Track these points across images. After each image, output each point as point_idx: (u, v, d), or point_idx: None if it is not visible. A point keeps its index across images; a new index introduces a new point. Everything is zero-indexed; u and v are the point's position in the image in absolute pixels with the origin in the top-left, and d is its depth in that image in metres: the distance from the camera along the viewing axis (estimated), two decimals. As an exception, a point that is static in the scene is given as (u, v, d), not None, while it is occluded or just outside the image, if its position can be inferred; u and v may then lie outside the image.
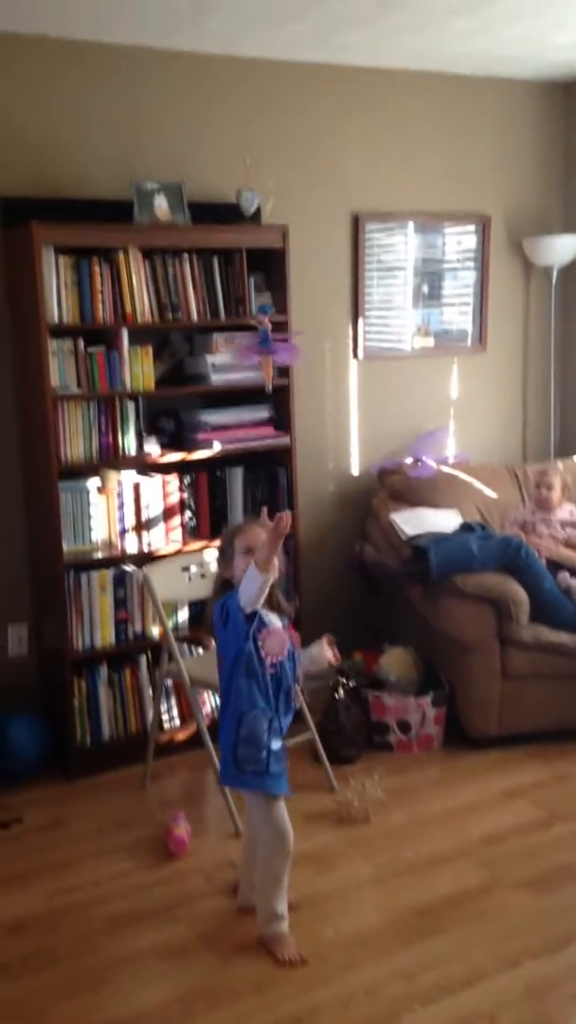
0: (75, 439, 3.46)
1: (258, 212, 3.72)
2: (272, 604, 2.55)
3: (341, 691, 3.62)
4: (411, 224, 4.29)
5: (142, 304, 3.48)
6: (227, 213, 3.70)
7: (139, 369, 3.52)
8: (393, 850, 3.00)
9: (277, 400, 3.83)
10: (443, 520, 3.98)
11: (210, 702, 3.74)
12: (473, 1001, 2.32)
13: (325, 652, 2.70)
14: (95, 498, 3.53)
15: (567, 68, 4.23)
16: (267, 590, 2.41)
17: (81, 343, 3.41)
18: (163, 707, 3.65)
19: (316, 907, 2.72)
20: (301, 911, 2.68)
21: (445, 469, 4.27)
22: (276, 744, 2.48)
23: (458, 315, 4.51)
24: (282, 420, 3.84)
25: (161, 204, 3.55)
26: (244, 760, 2.46)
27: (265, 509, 2.66)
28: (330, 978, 2.43)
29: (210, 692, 3.66)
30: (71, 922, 2.69)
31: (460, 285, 4.50)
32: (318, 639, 2.76)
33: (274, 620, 2.53)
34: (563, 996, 2.33)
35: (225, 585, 2.58)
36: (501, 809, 3.22)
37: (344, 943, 2.56)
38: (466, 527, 3.83)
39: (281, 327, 3.75)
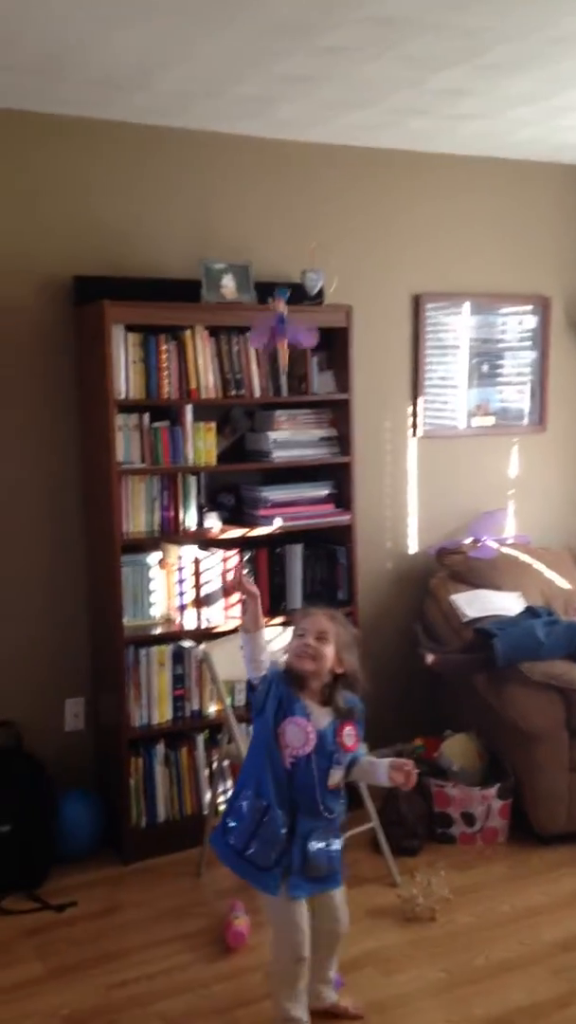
0: (137, 513, 3.45)
1: (321, 292, 3.75)
2: (324, 698, 2.45)
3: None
4: (468, 304, 4.29)
5: (206, 380, 3.50)
6: (292, 293, 3.72)
7: (201, 444, 3.52)
8: (462, 954, 2.84)
9: (337, 478, 3.80)
10: (506, 603, 3.88)
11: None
12: None
13: (380, 774, 2.48)
14: (155, 572, 3.50)
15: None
16: (256, 656, 2.43)
17: (146, 418, 3.42)
18: (219, 789, 3.53)
19: (383, 1013, 2.58)
20: (368, 1018, 2.53)
21: (506, 551, 4.18)
22: (316, 845, 2.40)
23: (516, 394, 4.49)
24: (342, 498, 3.80)
25: (228, 283, 3.59)
26: (254, 854, 2.38)
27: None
28: None
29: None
30: (127, 1020, 2.56)
31: (519, 364, 4.48)
32: (389, 757, 2.59)
33: (313, 713, 2.41)
34: None
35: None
36: (574, 912, 3.05)
37: (416, 1056, 2.41)
38: (531, 612, 3.73)
39: (342, 405, 3.75)
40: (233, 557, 3.62)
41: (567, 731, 3.44)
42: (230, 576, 3.60)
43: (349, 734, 2.43)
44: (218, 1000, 2.64)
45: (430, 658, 3.67)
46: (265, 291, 3.64)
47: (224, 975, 2.76)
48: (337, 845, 2.49)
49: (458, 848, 3.48)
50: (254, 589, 2.49)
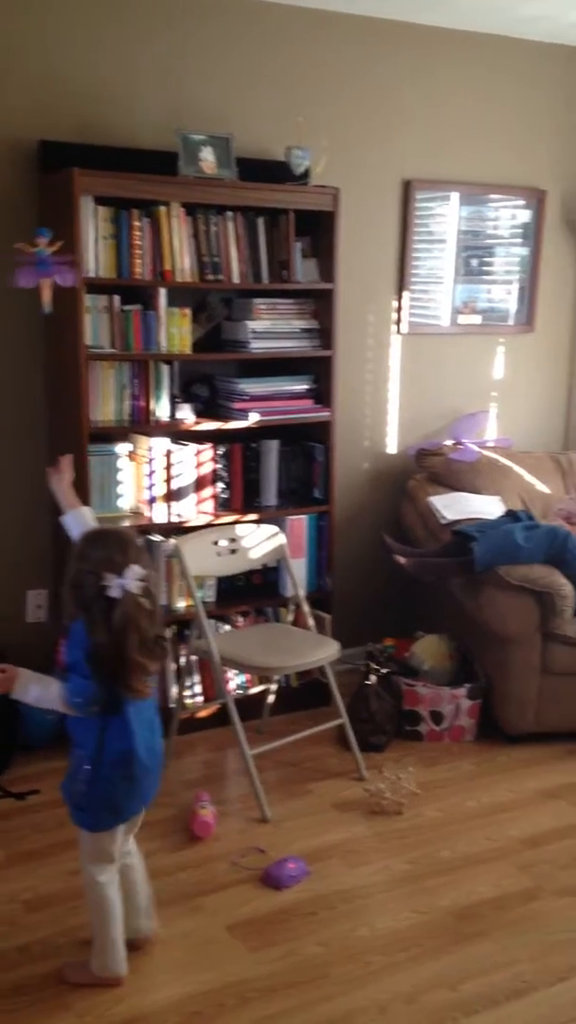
0: (106, 401, 3.30)
1: (307, 172, 3.54)
2: None
3: (372, 677, 3.46)
4: (458, 195, 4.09)
5: (182, 262, 3.31)
6: (275, 171, 3.51)
7: (176, 331, 3.35)
8: (428, 847, 2.84)
9: (318, 372, 3.66)
10: (485, 506, 3.81)
11: (236, 680, 3.58)
12: (521, 1014, 2.17)
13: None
14: (124, 463, 3.37)
15: None
16: None
17: (117, 301, 3.24)
18: (187, 683, 3.49)
19: (349, 903, 2.58)
20: (334, 908, 2.53)
21: (487, 454, 4.09)
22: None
23: (505, 293, 4.33)
24: (322, 393, 3.66)
25: (207, 157, 3.37)
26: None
27: None
28: (367, 981, 2.28)
29: (234, 671, 3.50)
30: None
31: (509, 261, 4.31)
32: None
33: None
34: (616, 1013, 2.18)
35: None
36: (540, 810, 3.06)
37: (380, 944, 2.41)
38: (511, 516, 3.66)
39: (326, 295, 3.58)
40: (207, 451, 3.49)
41: (540, 634, 3.41)
42: (204, 470, 3.49)
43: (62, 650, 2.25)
44: (185, 887, 2.63)
45: (404, 561, 3.60)
46: (246, 168, 3.43)
47: (190, 863, 2.75)
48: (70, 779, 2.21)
49: (426, 745, 3.48)
50: (63, 469, 2.49)
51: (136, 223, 3.21)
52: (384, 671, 3.50)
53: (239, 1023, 2.14)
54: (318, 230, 3.59)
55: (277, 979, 2.28)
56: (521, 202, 4.25)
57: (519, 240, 4.30)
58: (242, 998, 2.21)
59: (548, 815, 3.03)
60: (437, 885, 2.66)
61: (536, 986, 2.26)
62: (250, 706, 3.49)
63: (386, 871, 2.73)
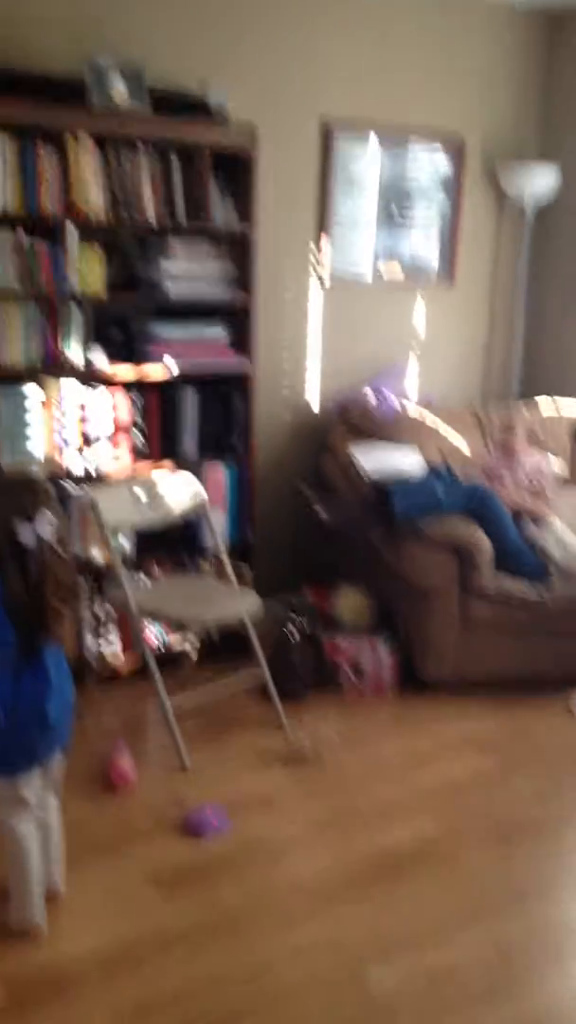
0: (12, 342, 3.15)
1: (223, 109, 3.41)
2: None
3: (292, 629, 3.42)
4: (380, 139, 4.01)
5: (92, 198, 3.16)
6: (190, 106, 3.37)
7: (86, 270, 3.21)
8: (346, 795, 2.83)
9: (236, 320, 3.55)
10: (405, 460, 3.78)
11: (154, 632, 3.50)
12: (437, 956, 2.17)
13: None
14: (34, 406, 3.22)
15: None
16: None
17: (22, 234, 3.08)
18: (104, 635, 3.39)
19: (268, 851, 2.55)
20: (254, 856, 2.49)
21: (407, 407, 4.06)
22: None
23: (425, 244, 4.28)
24: (241, 342, 3.57)
25: (118, 87, 3.21)
26: None
27: None
28: (286, 927, 2.25)
29: (155, 622, 3.42)
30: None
31: (430, 211, 4.26)
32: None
33: None
34: (530, 954, 2.19)
35: None
36: (456, 757, 3.08)
37: (300, 891, 2.39)
38: (431, 470, 3.64)
39: (244, 239, 3.47)
40: (122, 398, 3.37)
41: (458, 588, 3.41)
42: (120, 417, 3.37)
43: None
44: (101, 837, 2.57)
45: (323, 510, 3.55)
46: (160, 101, 3.29)
47: (107, 813, 2.68)
48: None
49: (346, 697, 3.46)
50: None
51: (42, 152, 3.05)
52: (304, 622, 3.46)
53: (158, 972, 2.09)
54: (235, 170, 3.47)
55: (195, 928, 2.23)
56: (441, 148, 4.18)
57: (439, 188, 4.25)
58: (161, 947, 2.16)
59: (464, 762, 3.04)
60: (355, 832, 2.64)
61: (452, 928, 2.26)
62: (170, 658, 3.42)
63: (305, 819, 2.70)
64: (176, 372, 3.41)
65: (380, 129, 4.00)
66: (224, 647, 3.61)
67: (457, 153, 4.21)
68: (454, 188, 4.25)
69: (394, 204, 4.16)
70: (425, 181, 4.21)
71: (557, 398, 4.30)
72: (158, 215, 3.31)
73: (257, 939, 2.20)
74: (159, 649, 3.42)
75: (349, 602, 3.59)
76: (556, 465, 3.83)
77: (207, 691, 3.14)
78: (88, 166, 3.14)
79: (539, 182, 4.20)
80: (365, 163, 4.03)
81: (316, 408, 4.13)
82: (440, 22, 4.03)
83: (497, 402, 4.55)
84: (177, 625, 3.37)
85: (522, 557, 3.49)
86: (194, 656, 3.50)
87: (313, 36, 3.77)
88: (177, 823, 2.62)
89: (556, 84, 4.33)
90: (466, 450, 4.04)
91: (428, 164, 4.20)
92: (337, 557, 3.97)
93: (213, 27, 3.52)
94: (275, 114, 3.72)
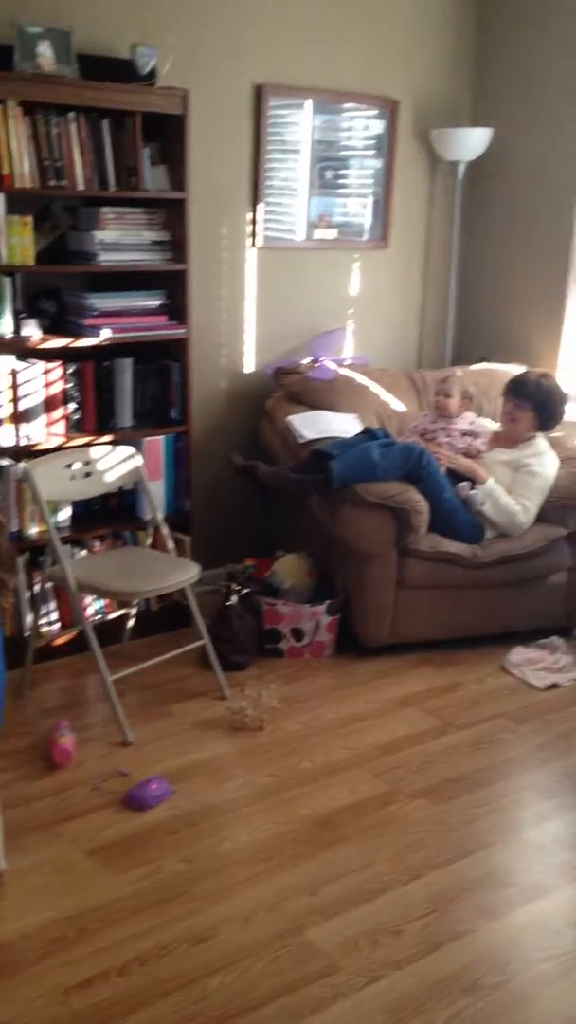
0: (-57, 316, 3.09)
1: (153, 72, 3.34)
2: None
3: (233, 598, 3.46)
4: (312, 102, 3.98)
5: (20, 166, 3.10)
6: (119, 70, 3.30)
7: (16, 240, 3.15)
8: (289, 759, 2.91)
9: (171, 287, 3.53)
10: (343, 424, 3.82)
11: (94, 606, 3.52)
12: (377, 913, 2.26)
13: None
14: (-34, 383, 3.18)
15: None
16: None
17: (-52, 204, 3.02)
18: (41, 611, 3.40)
19: (212, 819, 2.61)
20: (198, 824, 2.56)
21: (344, 371, 4.09)
22: None
23: (360, 207, 4.28)
24: (177, 309, 3.55)
25: (45, 52, 3.13)
26: None
27: None
28: (231, 893, 2.32)
29: (94, 596, 3.43)
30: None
31: (364, 174, 4.25)
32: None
33: None
34: (467, 907, 2.30)
35: None
36: (395, 718, 3.17)
37: (243, 856, 2.46)
38: (367, 433, 3.68)
39: (177, 205, 3.44)
40: (56, 369, 3.34)
41: (396, 550, 3.48)
42: (54, 390, 3.34)
43: None
44: (43, 816, 2.60)
45: (261, 467, 3.57)
46: (88, 66, 3.22)
47: (49, 791, 2.71)
48: None
49: (287, 662, 3.53)
50: None
51: (-32, 121, 2.98)
52: (245, 591, 3.51)
53: (104, 944, 2.15)
54: (167, 135, 3.42)
55: (141, 899, 2.29)
56: (374, 112, 4.17)
57: (373, 152, 4.24)
58: (106, 920, 2.22)
59: (402, 722, 3.14)
60: (297, 796, 2.72)
61: (391, 885, 2.36)
62: (110, 631, 3.45)
63: (248, 786, 2.77)
64: (111, 342, 3.38)
65: (314, 94, 3.96)
66: (165, 618, 3.65)
67: (391, 116, 4.19)
68: (387, 151, 4.24)
69: (328, 168, 4.14)
70: (359, 144, 4.20)
71: (490, 359, 4.37)
72: (88, 182, 3.25)
73: (202, 905, 2.28)
74: (99, 622, 3.43)
75: (289, 568, 3.63)
76: (489, 426, 3.90)
77: (149, 663, 3.18)
78: (15, 133, 3.07)
79: (471, 146, 4.21)
80: (299, 128, 3.99)
81: (254, 375, 4.14)
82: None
83: (432, 364, 4.61)
84: (116, 599, 3.39)
85: (458, 517, 3.56)
86: (134, 628, 3.53)
87: (248, 1, 3.71)
88: (120, 797, 2.67)
89: (488, 45, 4.33)
90: (402, 412, 4.09)
91: (361, 127, 4.18)
92: (277, 524, 4.01)
93: (141, -13, 3.44)
94: (208, 79, 3.67)
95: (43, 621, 3.41)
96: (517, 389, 3.70)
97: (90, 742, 2.96)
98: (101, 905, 2.27)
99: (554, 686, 3.41)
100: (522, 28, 4.18)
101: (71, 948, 2.14)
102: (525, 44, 4.18)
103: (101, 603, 3.52)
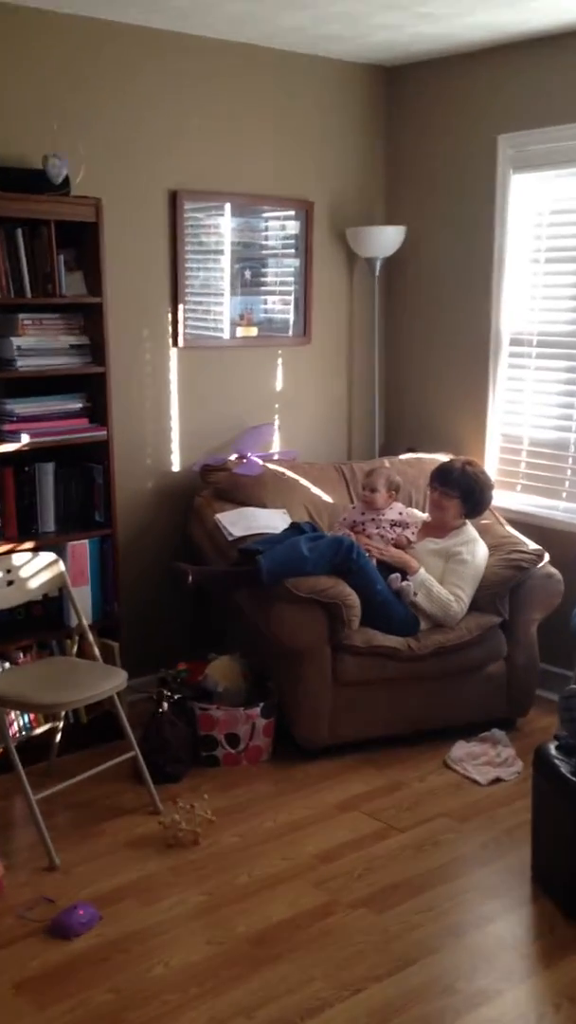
0: None
1: (66, 181, 3.39)
2: None
3: (165, 704, 3.35)
4: (229, 206, 4.07)
5: None
6: (33, 181, 3.34)
7: None
8: (225, 874, 2.78)
9: (92, 390, 3.52)
10: (271, 520, 3.79)
11: (18, 722, 3.37)
12: (316, 1037, 2.13)
13: None
14: None
15: (389, 50, 4.14)
16: None
17: None
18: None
19: (143, 943, 2.47)
20: (129, 949, 2.41)
21: (271, 467, 4.09)
22: None
23: (281, 304, 4.35)
24: (97, 411, 3.53)
25: (-43, 165, 3.16)
26: None
27: None
28: (162, 1021, 2.18)
29: (17, 712, 3.29)
30: None
31: (283, 273, 4.34)
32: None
33: None
34: (410, 1019, 2.19)
35: None
36: (336, 823, 3.06)
37: (175, 980, 2.33)
38: (295, 528, 3.66)
39: (95, 310, 3.45)
40: (-26, 476, 3.28)
41: (329, 646, 3.42)
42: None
43: None
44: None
45: (192, 571, 3.50)
46: (2, 176, 3.25)
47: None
48: None
49: (223, 770, 3.41)
50: None
51: None
52: (177, 697, 3.41)
53: None
54: (83, 242, 3.46)
55: (67, 1035, 2.13)
56: (291, 213, 4.28)
57: (292, 251, 4.34)
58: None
59: (343, 827, 3.03)
60: (233, 913, 2.59)
61: (331, 1002, 2.24)
62: (37, 747, 3.30)
63: (181, 905, 2.64)
64: (31, 447, 3.33)
65: (229, 197, 4.06)
66: (95, 730, 3.51)
67: (307, 217, 4.30)
68: (304, 250, 4.34)
69: (248, 267, 4.21)
70: (276, 244, 4.29)
71: (418, 449, 4.41)
72: (3, 290, 3.25)
73: (131, 1043, 2.12)
74: (24, 739, 3.29)
75: (223, 671, 3.54)
76: (419, 515, 3.91)
77: (77, 779, 3.03)
78: None
79: (386, 243, 4.33)
80: (218, 230, 4.07)
81: (180, 473, 4.11)
82: (283, 84, 4.13)
83: (362, 455, 4.64)
84: (42, 712, 3.26)
85: (391, 609, 3.53)
86: (62, 742, 3.38)
87: (160, 110, 3.81)
88: (46, 925, 2.52)
89: (396, 149, 4.49)
90: (332, 504, 4.08)
91: (278, 228, 4.28)
92: (210, 627, 3.93)
93: (58, 102, 3.51)
94: (123, 186, 3.73)
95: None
96: (443, 477, 3.73)
97: (15, 868, 2.80)
98: (24, 1045, 2.11)
99: (497, 780, 3.33)
100: (427, 133, 4.36)
101: None
102: (429, 151, 4.35)
103: (27, 717, 3.38)
